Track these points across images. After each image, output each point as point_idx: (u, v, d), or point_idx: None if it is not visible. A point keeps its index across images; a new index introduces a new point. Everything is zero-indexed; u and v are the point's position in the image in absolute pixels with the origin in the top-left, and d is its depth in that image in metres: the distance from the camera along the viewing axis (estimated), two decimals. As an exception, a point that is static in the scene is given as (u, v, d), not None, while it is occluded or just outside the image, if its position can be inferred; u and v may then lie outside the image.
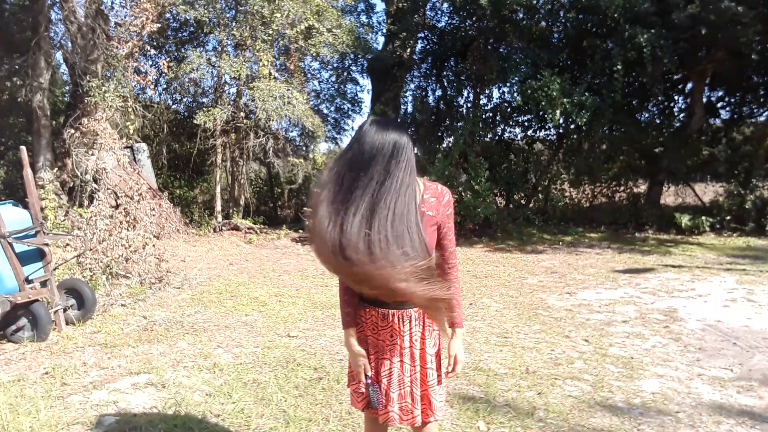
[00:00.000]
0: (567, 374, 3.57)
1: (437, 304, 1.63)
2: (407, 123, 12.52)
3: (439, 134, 12.94)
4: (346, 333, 1.85)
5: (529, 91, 9.36)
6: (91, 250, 5.89)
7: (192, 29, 11.29)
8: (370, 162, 1.58)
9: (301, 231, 10.41)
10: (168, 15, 10.34)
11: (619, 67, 9.20)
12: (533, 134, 12.70)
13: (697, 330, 4.51)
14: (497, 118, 12.43)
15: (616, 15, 9.33)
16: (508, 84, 11.02)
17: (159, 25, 9.20)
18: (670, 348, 4.09)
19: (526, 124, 12.45)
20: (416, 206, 1.63)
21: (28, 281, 4.28)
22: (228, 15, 10.12)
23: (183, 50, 10.77)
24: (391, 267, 1.50)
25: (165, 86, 11.44)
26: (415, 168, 1.66)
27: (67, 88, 13.66)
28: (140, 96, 10.36)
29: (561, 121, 10.01)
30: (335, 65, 12.73)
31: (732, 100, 12.10)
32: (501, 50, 11.41)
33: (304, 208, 10.77)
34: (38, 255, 4.45)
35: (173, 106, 12.34)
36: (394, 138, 1.61)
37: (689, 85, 11.51)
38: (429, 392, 1.83)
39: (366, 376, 1.83)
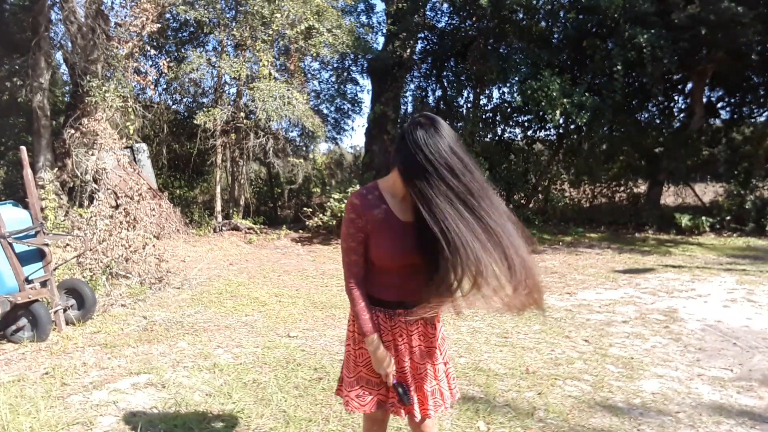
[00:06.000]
0: (567, 374, 3.57)
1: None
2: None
3: (439, 134, 12.91)
4: (371, 339, 1.78)
5: (529, 92, 9.37)
6: (91, 250, 5.89)
7: (192, 29, 11.29)
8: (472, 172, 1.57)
9: (301, 231, 10.41)
10: (168, 15, 10.34)
11: (619, 67, 9.20)
12: (533, 134, 12.71)
13: (697, 330, 4.51)
14: (497, 118, 12.44)
15: (616, 15, 9.34)
16: (508, 84, 11.03)
17: (159, 25, 9.19)
18: (670, 348, 4.09)
19: (526, 124, 12.46)
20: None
21: (28, 281, 4.27)
22: (228, 15, 10.12)
23: (183, 50, 10.77)
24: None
25: (165, 86, 11.45)
26: None
27: (67, 88, 13.66)
28: (140, 96, 10.35)
29: (561, 121, 10.01)
30: (335, 65, 12.74)
31: (732, 100, 12.11)
32: (501, 50, 11.42)
33: (305, 208, 10.76)
34: (38, 255, 4.45)
35: (173, 106, 12.35)
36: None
37: (689, 85, 11.51)
38: (441, 386, 1.90)
39: (392, 377, 1.83)
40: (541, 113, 9.98)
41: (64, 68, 12.88)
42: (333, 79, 13.16)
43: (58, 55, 11.72)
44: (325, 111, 12.83)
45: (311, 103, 11.19)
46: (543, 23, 11.16)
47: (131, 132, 9.23)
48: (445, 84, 13.01)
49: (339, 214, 9.58)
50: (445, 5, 12.23)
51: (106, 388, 3.37)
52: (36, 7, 9.47)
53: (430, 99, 13.45)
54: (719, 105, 12.23)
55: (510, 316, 4.96)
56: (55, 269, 4.71)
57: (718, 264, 7.35)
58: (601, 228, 11.04)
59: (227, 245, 9.09)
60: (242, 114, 9.87)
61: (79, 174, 8.54)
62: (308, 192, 13.68)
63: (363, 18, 12.60)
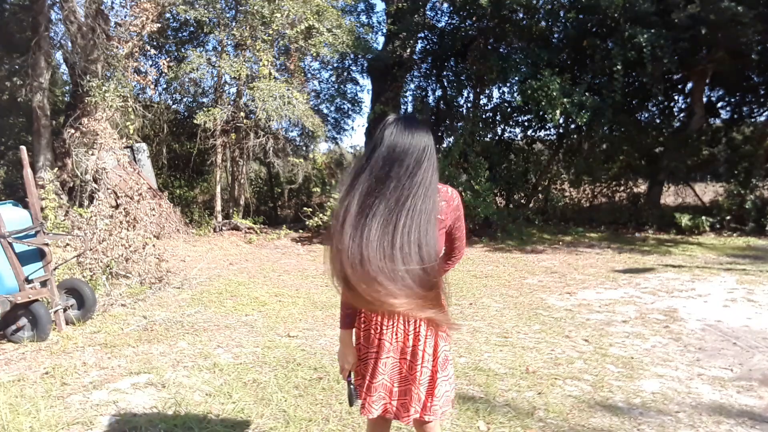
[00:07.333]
0: (567, 374, 3.57)
1: (435, 322, 1.71)
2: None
3: (439, 134, 12.94)
4: (345, 333, 1.88)
5: (529, 91, 9.36)
6: (91, 250, 5.89)
7: (192, 29, 11.30)
8: (395, 164, 1.56)
9: (301, 231, 10.42)
10: (168, 15, 10.34)
11: (619, 67, 9.20)
12: (533, 134, 12.71)
13: (697, 330, 4.51)
14: (497, 118, 12.44)
15: (616, 15, 9.34)
16: (508, 84, 11.03)
17: (159, 25, 9.19)
18: (670, 348, 4.09)
19: (526, 124, 12.46)
20: (436, 213, 1.62)
21: (28, 281, 4.27)
22: (228, 15, 10.12)
23: (183, 50, 10.77)
24: (399, 290, 1.50)
25: (165, 86, 11.46)
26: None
27: (67, 88, 13.68)
28: (140, 96, 10.35)
29: (561, 121, 10.02)
30: (335, 65, 12.73)
31: (732, 100, 12.11)
32: (501, 50, 11.41)
33: (305, 208, 10.77)
34: (38, 255, 4.45)
35: (173, 106, 12.35)
36: (424, 140, 1.60)
37: (689, 85, 11.51)
38: (420, 390, 1.82)
39: (350, 374, 1.93)
40: (541, 113, 9.97)
41: (64, 68, 12.91)
42: (333, 78, 13.18)
43: (58, 55, 11.74)
44: (325, 111, 12.84)
45: (311, 102, 11.19)
46: (543, 23, 11.15)
47: (131, 132, 9.23)
48: (445, 84, 13.00)
49: (339, 214, 9.55)
50: (445, 5, 12.22)
51: (106, 388, 3.37)
52: (36, 6, 9.48)
53: (430, 99, 13.44)
54: (719, 105, 12.24)
55: (510, 316, 4.96)
56: (55, 269, 4.71)
57: (718, 264, 7.35)
58: (601, 228, 11.04)
59: (227, 245, 9.09)
60: (242, 114, 9.87)
61: (79, 174, 8.55)
62: (308, 192, 13.68)
63: (363, 18, 12.62)
